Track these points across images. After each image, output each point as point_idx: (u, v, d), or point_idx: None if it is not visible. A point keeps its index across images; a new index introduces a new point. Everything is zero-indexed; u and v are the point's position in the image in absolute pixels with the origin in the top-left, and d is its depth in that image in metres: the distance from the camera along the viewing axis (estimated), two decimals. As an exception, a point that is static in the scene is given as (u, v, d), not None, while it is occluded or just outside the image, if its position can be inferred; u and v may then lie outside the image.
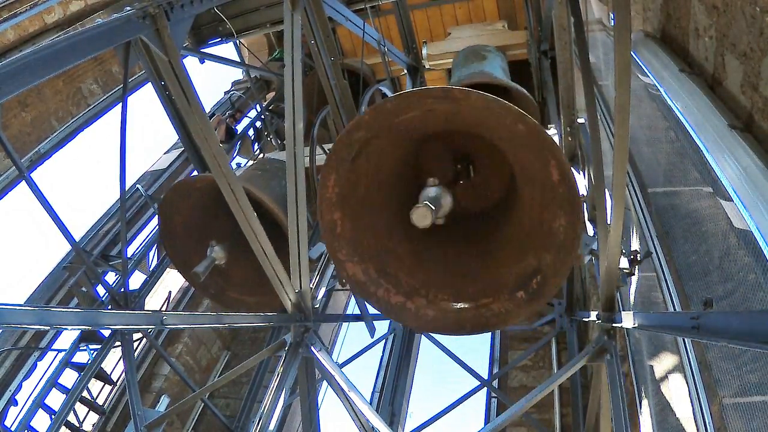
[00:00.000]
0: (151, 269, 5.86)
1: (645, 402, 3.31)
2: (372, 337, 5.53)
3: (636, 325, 2.53)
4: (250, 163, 7.38)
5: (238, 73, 10.06)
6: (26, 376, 5.08)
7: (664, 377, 3.08)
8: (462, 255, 3.34)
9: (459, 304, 3.15)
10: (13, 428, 4.64)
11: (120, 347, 4.74)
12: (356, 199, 3.05)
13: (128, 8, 2.44)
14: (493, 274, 3.15)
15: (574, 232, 2.63)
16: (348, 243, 3.12)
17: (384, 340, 6.49)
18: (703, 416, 2.31)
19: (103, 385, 6.01)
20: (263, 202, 4.10)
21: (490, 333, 6.70)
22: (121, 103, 4.13)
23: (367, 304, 5.31)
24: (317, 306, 3.81)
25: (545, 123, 6.04)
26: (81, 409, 5.49)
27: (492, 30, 7.42)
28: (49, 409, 4.80)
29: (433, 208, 2.51)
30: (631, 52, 2.21)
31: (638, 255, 2.84)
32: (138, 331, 5.54)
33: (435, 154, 3.36)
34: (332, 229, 3.07)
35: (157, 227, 6.22)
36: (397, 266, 3.23)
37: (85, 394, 5.09)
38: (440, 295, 3.18)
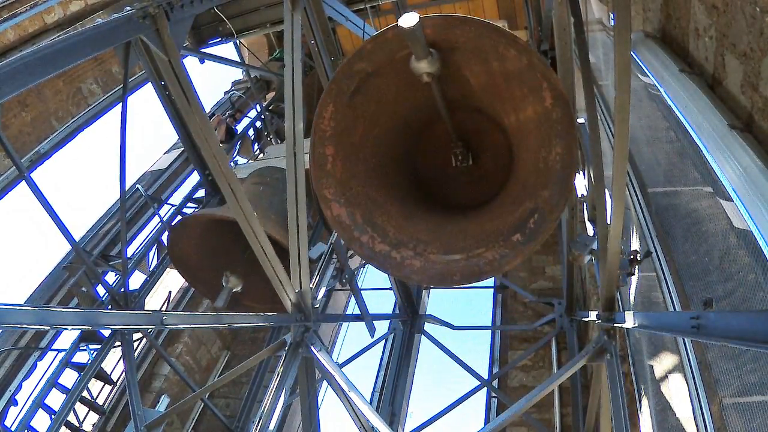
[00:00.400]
0: (151, 269, 5.86)
1: (645, 402, 3.31)
2: (372, 337, 5.53)
3: (636, 325, 2.53)
4: (250, 163, 7.38)
5: (238, 73, 10.06)
6: (26, 376, 5.07)
7: (664, 377, 3.08)
8: (455, 218, 3.25)
9: (449, 256, 2.99)
10: (13, 428, 4.64)
11: (120, 347, 4.75)
12: (351, 141, 2.92)
13: (128, 8, 2.44)
14: (487, 229, 3.01)
15: (570, 157, 2.53)
16: (337, 183, 2.96)
17: (384, 340, 6.50)
18: (703, 416, 2.31)
19: (103, 385, 6.00)
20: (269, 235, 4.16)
21: (490, 333, 6.70)
22: (121, 103, 4.14)
23: (367, 305, 5.33)
24: (317, 306, 3.81)
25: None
26: (81, 409, 5.48)
27: (492, 30, 7.40)
28: (49, 409, 4.80)
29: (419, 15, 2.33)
30: (631, 52, 2.22)
31: (638, 255, 2.84)
32: (138, 331, 5.54)
33: (434, 131, 3.30)
34: (322, 163, 2.91)
35: (157, 227, 6.24)
36: (385, 219, 3.08)
37: (85, 394, 5.09)
38: (429, 248, 3.03)
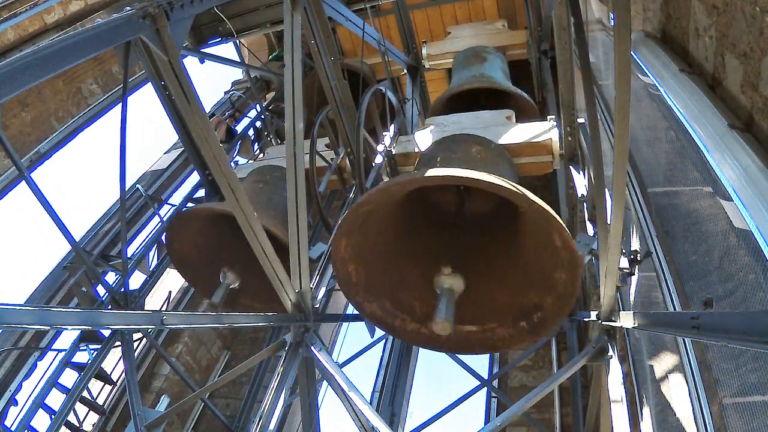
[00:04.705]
0: (151, 269, 5.85)
1: (645, 402, 3.31)
2: (372, 337, 5.52)
3: (636, 325, 2.53)
4: (250, 163, 7.37)
5: (238, 73, 10.06)
6: (26, 376, 5.07)
7: (664, 377, 3.08)
8: (469, 279, 3.45)
9: (467, 327, 3.40)
10: (13, 428, 4.64)
11: (120, 347, 4.74)
12: (367, 250, 3.36)
13: (128, 8, 2.44)
14: (497, 300, 3.37)
15: (573, 286, 2.90)
16: (363, 288, 3.42)
17: (384, 340, 6.49)
18: (703, 416, 2.31)
19: (103, 385, 6.00)
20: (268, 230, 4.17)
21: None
22: (121, 103, 4.13)
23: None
24: (317, 306, 3.81)
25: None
26: (81, 409, 5.48)
27: (492, 29, 7.41)
28: (49, 409, 4.79)
29: (451, 320, 2.79)
30: (631, 52, 2.22)
31: (638, 255, 2.84)
32: (138, 331, 5.54)
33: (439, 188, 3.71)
34: (348, 279, 3.38)
35: (157, 227, 6.24)
36: (411, 295, 3.50)
37: (85, 394, 5.09)
38: None
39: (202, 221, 4.80)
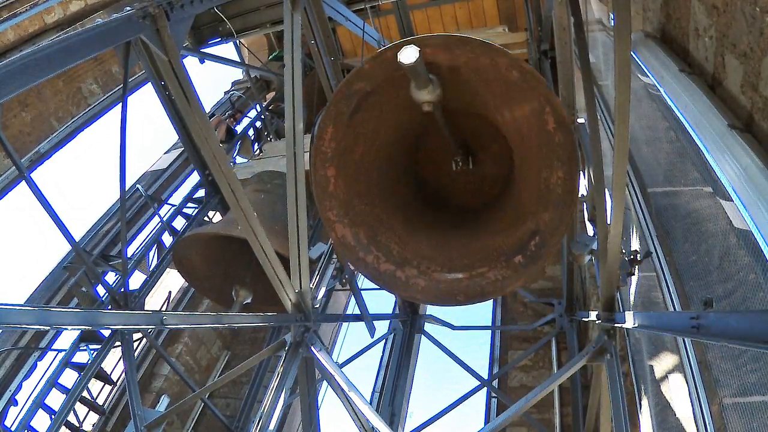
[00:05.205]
0: (151, 269, 5.86)
1: (645, 402, 3.31)
2: (372, 337, 5.54)
3: (636, 325, 2.53)
4: (249, 162, 7.37)
5: (238, 73, 10.07)
6: (26, 376, 5.07)
7: (664, 377, 3.08)
8: (458, 231, 3.27)
9: (452, 274, 3.03)
10: (13, 428, 4.64)
11: (120, 347, 4.75)
12: (352, 159, 2.92)
13: (128, 8, 2.44)
14: (489, 245, 3.04)
15: (572, 183, 2.55)
16: (340, 203, 2.98)
17: (384, 340, 6.50)
18: (703, 416, 2.31)
19: (103, 385, 6.00)
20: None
21: (490, 332, 6.70)
22: (121, 103, 4.13)
23: (367, 305, 5.33)
24: (317, 306, 3.81)
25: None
26: (81, 409, 5.48)
27: (492, 34, 7.44)
28: (49, 409, 4.79)
29: (420, 48, 2.25)
30: (631, 52, 2.22)
31: (638, 255, 2.84)
32: (138, 331, 5.54)
33: (435, 135, 3.24)
34: (324, 185, 2.92)
35: (157, 227, 6.25)
36: (389, 236, 3.11)
37: (85, 394, 5.09)
38: (433, 266, 3.06)
39: (208, 239, 4.88)
